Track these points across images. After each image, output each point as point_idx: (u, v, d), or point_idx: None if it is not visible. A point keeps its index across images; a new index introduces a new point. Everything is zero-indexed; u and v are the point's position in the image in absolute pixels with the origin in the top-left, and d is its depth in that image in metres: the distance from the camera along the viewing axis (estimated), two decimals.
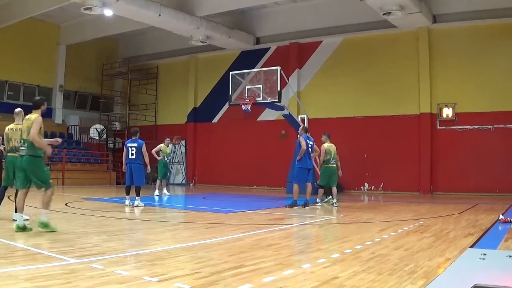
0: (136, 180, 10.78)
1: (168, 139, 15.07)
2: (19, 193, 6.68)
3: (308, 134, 11.61)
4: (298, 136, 11.43)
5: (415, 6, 15.54)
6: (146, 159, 10.92)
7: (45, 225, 6.42)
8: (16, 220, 6.53)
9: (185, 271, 4.18)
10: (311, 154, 11.50)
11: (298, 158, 11.03)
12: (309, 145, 11.17)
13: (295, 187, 10.99)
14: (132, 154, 10.74)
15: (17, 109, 7.65)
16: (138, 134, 11.20)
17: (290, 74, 19.27)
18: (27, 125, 6.45)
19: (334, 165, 11.81)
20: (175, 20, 17.99)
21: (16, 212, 6.78)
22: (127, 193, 10.80)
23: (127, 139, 11.88)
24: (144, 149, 10.87)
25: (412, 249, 5.44)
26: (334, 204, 11.40)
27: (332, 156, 11.72)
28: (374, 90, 18.52)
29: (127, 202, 10.68)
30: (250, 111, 14.86)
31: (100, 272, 4.06)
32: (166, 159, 14.74)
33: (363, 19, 18.00)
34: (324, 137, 11.90)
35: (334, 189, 11.70)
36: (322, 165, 11.82)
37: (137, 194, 10.74)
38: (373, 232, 7.03)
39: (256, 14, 20.84)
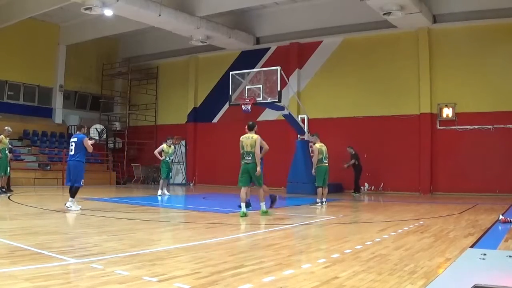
0: (73, 179, 9.51)
1: (170, 140, 15.06)
2: (242, 189, 9.11)
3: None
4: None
5: (415, 6, 15.53)
6: (89, 148, 9.69)
7: (265, 212, 9.09)
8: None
9: (185, 271, 4.18)
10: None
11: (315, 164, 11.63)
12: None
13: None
14: (72, 150, 9.59)
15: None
16: (82, 129, 10.11)
17: (290, 74, 19.27)
18: (250, 142, 9.25)
19: (327, 165, 11.96)
20: (175, 20, 17.99)
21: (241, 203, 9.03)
22: (70, 193, 9.52)
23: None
24: (86, 143, 9.60)
25: (412, 249, 5.44)
26: (324, 203, 11.64)
27: (324, 155, 11.89)
28: (374, 90, 18.51)
29: (68, 204, 9.42)
30: (250, 111, 14.86)
31: (100, 272, 4.06)
32: (168, 159, 14.75)
33: (363, 19, 17.99)
34: (314, 138, 12.08)
35: (325, 190, 11.89)
36: (316, 165, 11.90)
37: (72, 196, 9.42)
38: (373, 232, 7.02)
39: (256, 14, 20.83)
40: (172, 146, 15.21)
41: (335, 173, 16.34)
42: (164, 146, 14.79)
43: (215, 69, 22.17)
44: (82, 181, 9.68)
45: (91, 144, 9.82)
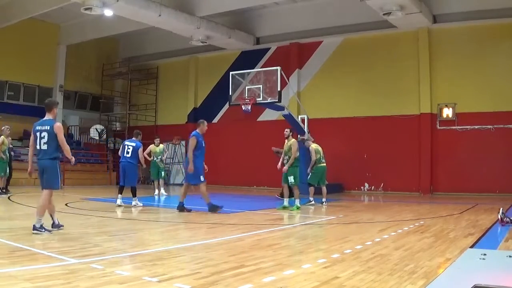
0: (129, 180, 10.74)
1: (157, 139, 15.01)
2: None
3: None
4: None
5: (415, 6, 15.53)
6: (142, 160, 10.91)
7: (297, 207, 10.49)
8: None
9: (185, 271, 4.19)
10: None
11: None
12: None
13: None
14: (128, 152, 10.63)
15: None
16: (139, 136, 11.20)
17: (290, 74, 19.26)
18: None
19: (324, 164, 12.13)
20: (175, 20, 17.98)
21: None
22: (120, 192, 10.73)
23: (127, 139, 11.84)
24: (140, 151, 10.78)
25: (412, 249, 5.44)
26: (324, 203, 11.72)
27: (322, 155, 12.11)
28: (374, 90, 18.50)
29: (118, 201, 10.56)
30: (250, 111, 14.85)
31: (100, 272, 4.06)
32: (156, 159, 14.69)
33: (363, 19, 17.99)
34: (308, 141, 12.30)
35: (324, 189, 12.03)
36: (314, 165, 12.03)
37: (134, 195, 10.70)
38: (373, 232, 7.02)
39: (256, 14, 20.82)
40: (161, 145, 15.09)
41: (335, 173, 16.39)
42: (151, 146, 14.76)
43: (215, 69, 22.16)
44: (136, 180, 11.16)
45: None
